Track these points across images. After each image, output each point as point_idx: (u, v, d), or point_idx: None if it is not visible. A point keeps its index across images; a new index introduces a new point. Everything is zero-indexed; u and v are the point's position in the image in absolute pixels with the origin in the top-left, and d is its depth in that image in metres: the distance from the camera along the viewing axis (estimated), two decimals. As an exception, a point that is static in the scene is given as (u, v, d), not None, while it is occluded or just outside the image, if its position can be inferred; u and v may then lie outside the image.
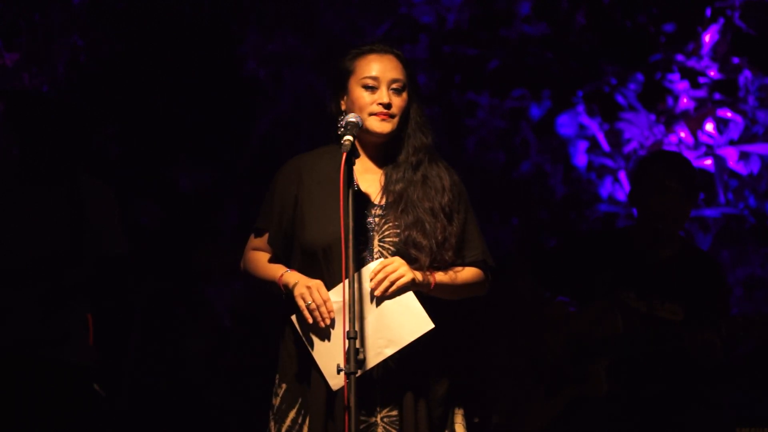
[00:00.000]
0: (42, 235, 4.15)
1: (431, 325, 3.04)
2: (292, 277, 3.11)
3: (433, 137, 3.24)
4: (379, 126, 3.13)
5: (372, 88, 3.15)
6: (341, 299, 3.03)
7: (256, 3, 6.13)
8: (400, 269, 3.03)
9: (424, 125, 3.22)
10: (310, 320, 3.04)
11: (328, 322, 3.03)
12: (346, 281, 2.98)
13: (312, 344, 3.08)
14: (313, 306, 3.03)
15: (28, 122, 4.22)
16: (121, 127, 5.69)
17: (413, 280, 3.05)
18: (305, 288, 3.05)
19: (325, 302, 3.03)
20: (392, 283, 3.03)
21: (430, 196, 3.15)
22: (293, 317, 3.12)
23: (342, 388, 3.00)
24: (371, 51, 3.20)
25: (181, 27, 5.91)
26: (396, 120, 3.16)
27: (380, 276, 3.02)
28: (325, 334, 3.06)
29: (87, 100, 4.20)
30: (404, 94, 3.18)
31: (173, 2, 5.90)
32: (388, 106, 3.13)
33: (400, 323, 3.03)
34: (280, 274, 3.13)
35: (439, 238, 3.11)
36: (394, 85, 3.16)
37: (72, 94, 5.47)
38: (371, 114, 3.13)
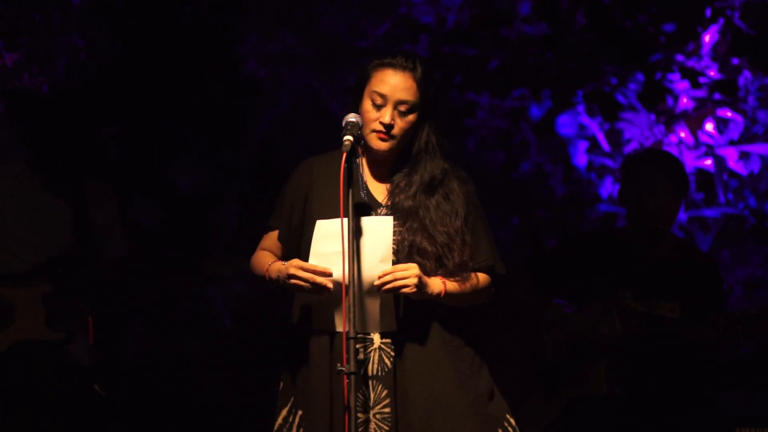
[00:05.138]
0: (45, 237, 4.15)
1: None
2: (273, 269, 3.15)
3: (450, 156, 3.24)
4: (376, 144, 3.16)
5: (378, 106, 3.16)
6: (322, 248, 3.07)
7: (256, 3, 6.13)
8: (410, 279, 3.03)
9: (441, 147, 3.21)
10: (321, 290, 3.03)
11: (330, 282, 3.03)
12: (346, 282, 3.00)
13: (325, 320, 3.10)
14: (309, 285, 3.04)
15: (30, 123, 4.22)
16: (121, 127, 5.69)
17: (418, 291, 3.05)
18: (287, 277, 3.07)
19: (313, 271, 3.04)
20: (396, 288, 3.03)
21: (445, 222, 3.16)
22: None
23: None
24: (390, 65, 3.18)
25: (181, 27, 5.90)
26: (396, 141, 3.16)
27: (389, 278, 3.03)
28: (324, 303, 3.08)
29: (87, 100, 4.19)
30: (411, 116, 3.17)
31: (173, 2, 5.90)
32: (388, 127, 3.14)
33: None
34: (267, 267, 3.17)
35: (457, 260, 3.13)
36: (400, 107, 3.15)
37: (72, 94, 5.46)
38: (372, 131, 3.15)
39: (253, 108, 6.20)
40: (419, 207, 3.16)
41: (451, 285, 3.13)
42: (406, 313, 3.12)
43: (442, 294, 3.10)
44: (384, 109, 3.15)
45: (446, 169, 3.22)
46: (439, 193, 3.19)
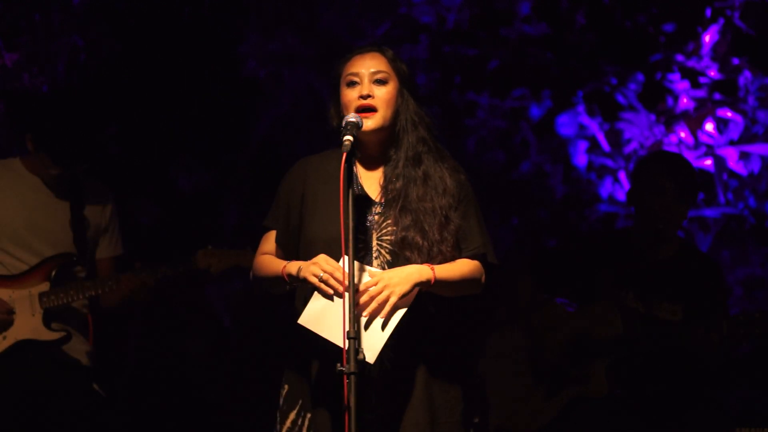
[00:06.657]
0: (43, 237, 4.15)
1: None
2: (293, 265, 3.11)
3: (433, 132, 3.23)
4: (363, 123, 3.13)
5: (354, 84, 3.18)
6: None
7: (256, 3, 6.13)
8: (384, 292, 3.01)
9: (421, 120, 3.21)
10: (330, 291, 3.01)
11: (345, 286, 2.99)
12: (347, 285, 2.98)
13: (325, 329, 3.06)
14: (326, 276, 3.01)
15: (30, 123, 4.22)
16: (121, 127, 5.69)
17: (407, 292, 3.02)
18: (312, 264, 3.04)
19: (335, 270, 3.01)
20: (381, 305, 3.01)
21: (430, 196, 3.15)
22: (300, 321, 3.11)
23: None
24: (357, 52, 3.24)
25: (181, 27, 5.91)
26: (380, 114, 3.16)
27: (365, 298, 3.00)
28: (333, 314, 3.03)
29: (87, 100, 4.20)
30: (389, 87, 3.18)
31: (173, 2, 5.90)
32: (366, 96, 3.14)
33: (375, 332, 3.04)
34: (282, 267, 3.14)
35: (437, 236, 3.11)
36: (376, 77, 3.17)
37: (72, 94, 5.47)
38: (355, 110, 3.14)
39: (253, 108, 6.21)
40: (408, 182, 3.15)
41: (441, 270, 3.10)
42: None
43: (432, 281, 3.07)
44: (360, 85, 3.17)
45: (434, 147, 3.21)
46: (426, 165, 3.18)
